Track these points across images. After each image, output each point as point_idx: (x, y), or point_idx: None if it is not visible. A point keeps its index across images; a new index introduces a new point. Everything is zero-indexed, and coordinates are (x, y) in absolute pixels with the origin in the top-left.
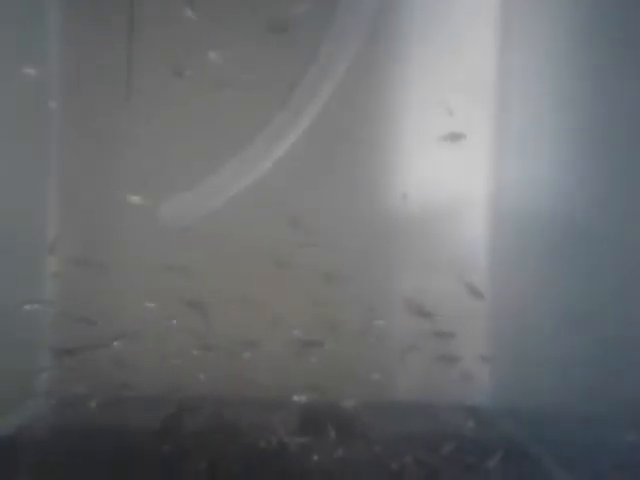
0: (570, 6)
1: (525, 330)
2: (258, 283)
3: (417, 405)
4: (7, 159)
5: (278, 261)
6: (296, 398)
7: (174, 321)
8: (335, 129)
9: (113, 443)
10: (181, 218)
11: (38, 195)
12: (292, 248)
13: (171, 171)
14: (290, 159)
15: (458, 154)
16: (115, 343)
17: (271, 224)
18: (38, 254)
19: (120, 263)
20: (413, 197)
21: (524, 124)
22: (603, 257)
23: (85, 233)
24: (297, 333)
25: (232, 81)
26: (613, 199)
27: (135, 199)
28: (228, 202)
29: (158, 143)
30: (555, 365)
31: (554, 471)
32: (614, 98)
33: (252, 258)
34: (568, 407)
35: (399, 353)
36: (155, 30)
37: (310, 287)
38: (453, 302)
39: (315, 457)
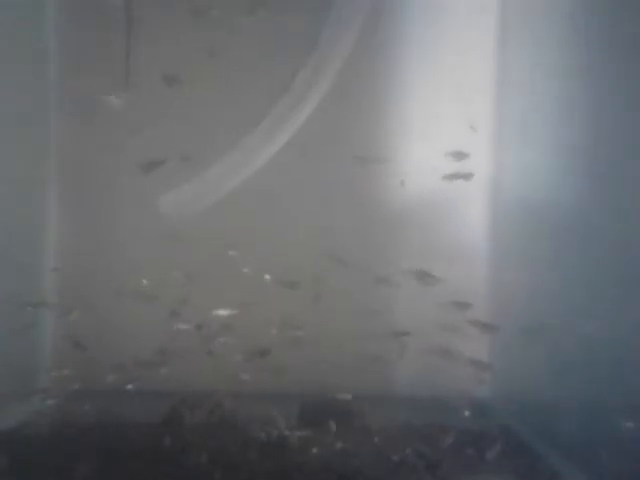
0: (565, 6)
1: (525, 319)
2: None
3: (416, 397)
4: (6, 153)
5: (277, 251)
6: (296, 391)
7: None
8: (335, 115)
9: (114, 437)
10: (182, 209)
11: (37, 185)
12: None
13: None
14: (289, 145)
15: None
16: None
17: (270, 212)
18: (39, 251)
19: (120, 253)
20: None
21: (524, 113)
22: (604, 243)
23: (84, 223)
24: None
25: (234, 68)
26: (612, 185)
27: (136, 189)
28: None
29: (158, 132)
30: (554, 356)
31: (554, 462)
32: (610, 89)
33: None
34: (567, 397)
35: (397, 345)
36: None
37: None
38: (452, 291)
39: (315, 450)
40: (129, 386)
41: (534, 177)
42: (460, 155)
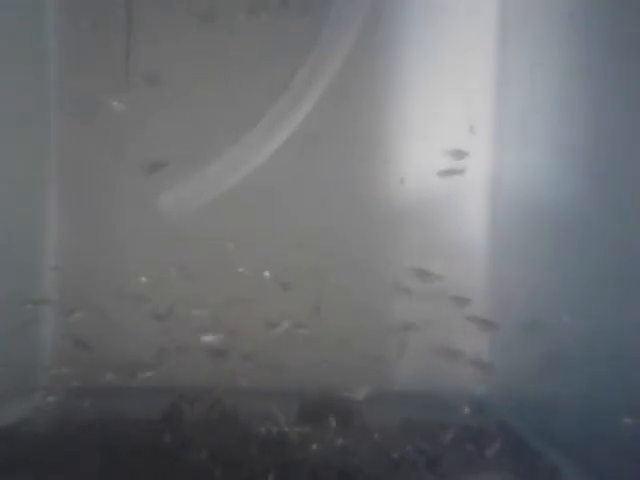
0: (565, 6)
1: (524, 317)
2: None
3: (416, 394)
4: (6, 153)
5: (278, 250)
6: (296, 388)
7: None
8: (334, 114)
9: (114, 434)
10: (181, 207)
11: (37, 185)
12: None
13: (172, 159)
14: (289, 144)
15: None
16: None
17: (270, 212)
18: (39, 251)
19: (120, 253)
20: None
21: (524, 113)
22: (604, 242)
23: (84, 223)
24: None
25: (234, 66)
26: (612, 185)
27: (135, 189)
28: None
29: (158, 132)
30: (554, 353)
31: (552, 459)
32: (610, 89)
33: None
34: (566, 395)
35: (398, 342)
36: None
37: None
38: (451, 288)
39: (315, 446)
40: (129, 382)
41: (534, 177)
42: (460, 153)
